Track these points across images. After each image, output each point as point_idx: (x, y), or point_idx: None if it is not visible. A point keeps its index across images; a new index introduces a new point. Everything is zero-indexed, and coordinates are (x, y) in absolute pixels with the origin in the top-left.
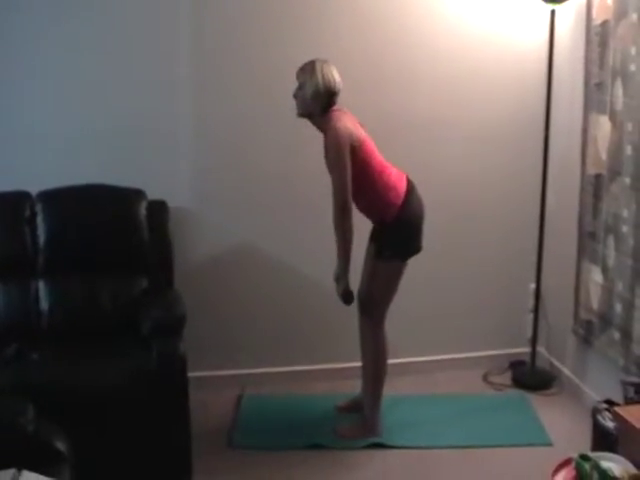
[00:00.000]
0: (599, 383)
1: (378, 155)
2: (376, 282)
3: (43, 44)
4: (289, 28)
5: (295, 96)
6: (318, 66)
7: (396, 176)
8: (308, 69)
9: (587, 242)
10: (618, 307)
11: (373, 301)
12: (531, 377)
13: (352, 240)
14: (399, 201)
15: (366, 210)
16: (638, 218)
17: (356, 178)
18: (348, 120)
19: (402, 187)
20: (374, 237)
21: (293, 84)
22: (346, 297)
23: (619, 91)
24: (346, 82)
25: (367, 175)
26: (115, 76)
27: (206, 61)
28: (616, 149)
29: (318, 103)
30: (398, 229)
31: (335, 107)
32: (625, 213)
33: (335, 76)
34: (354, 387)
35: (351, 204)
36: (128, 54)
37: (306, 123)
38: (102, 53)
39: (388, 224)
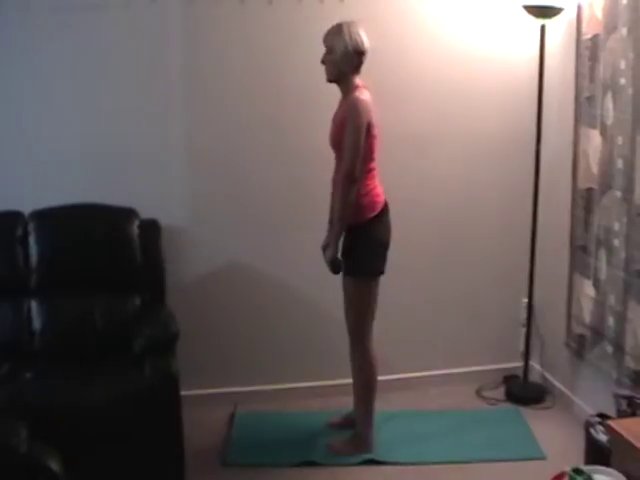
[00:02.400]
0: (592, 396)
1: (377, 153)
2: (351, 300)
3: (36, 65)
4: (281, 47)
5: (323, 61)
6: (345, 27)
7: (380, 190)
8: (335, 31)
9: (579, 256)
10: (610, 320)
11: (352, 319)
12: (524, 391)
13: (351, 211)
14: (375, 211)
15: (335, 193)
16: (629, 231)
17: None
18: (370, 101)
19: (381, 202)
20: (343, 252)
21: (288, 101)
22: (334, 265)
23: (609, 105)
24: (337, 99)
25: (363, 160)
26: (107, 96)
27: (198, 80)
28: (607, 163)
29: (349, 63)
30: (363, 241)
31: (365, 84)
32: (616, 226)
33: (363, 36)
34: (347, 403)
35: (358, 174)
36: (120, 75)
37: (301, 141)
38: (94, 74)
39: (356, 229)
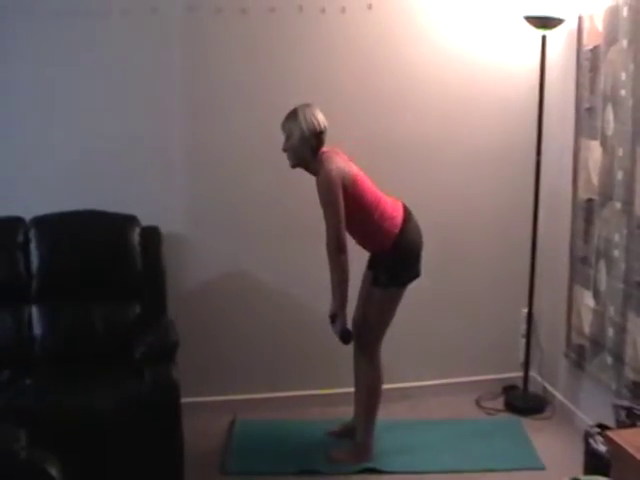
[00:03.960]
0: (591, 407)
1: (372, 188)
2: (372, 309)
3: (38, 71)
4: (282, 56)
5: (285, 149)
6: (300, 112)
7: (392, 205)
8: (291, 117)
9: (579, 266)
10: (610, 331)
11: (368, 328)
12: (524, 401)
13: (348, 278)
14: (396, 229)
15: (364, 243)
16: (629, 243)
17: (351, 214)
18: (339, 159)
19: (399, 216)
20: (371, 264)
21: (289, 109)
22: (344, 336)
23: (610, 116)
24: (338, 108)
25: (362, 209)
26: (109, 103)
27: (199, 88)
28: (607, 174)
29: (307, 147)
30: (395, 256)
31: (325, 148)
32: (616, 237)
33: (318, 116)
34: (346, 412)
35: (345, 242)
36: (121, 83)
37: None
38: (96, 81)
39: (386, 252)
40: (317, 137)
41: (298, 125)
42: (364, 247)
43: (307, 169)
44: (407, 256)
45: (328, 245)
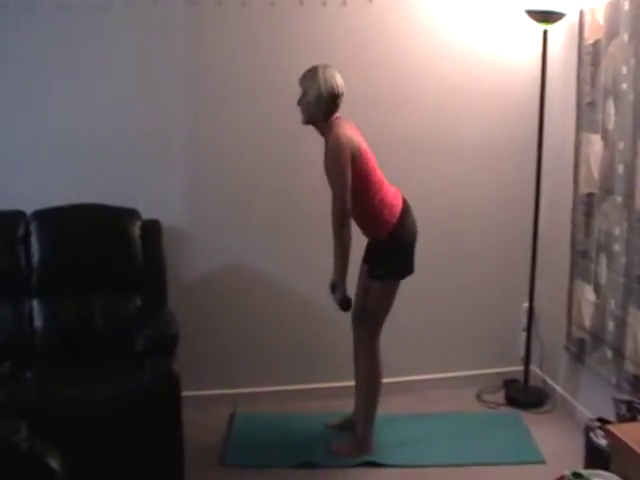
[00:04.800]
0: (592, 401)
1: (378, 170)
2: (370, 301)
3: (38, 65)
4: (283, 50)
5: (299, 103)
6: (320, 71)
7: (393, 194)
8: (310, 75)
9: (579, 260)
10: (610, 325)
11: (367, 320)
12: (524, 395)
13: (350, 247)
14: (394, 219)
15: (360, 223)
16: (630, 236)
17: (354, 189)
18: (350, 129)
19: (398, 206)
20: (367, 256)
21: (289, 102)
22: (344, 304)
23: (611, 110)
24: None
25: (365, 190)
26: (109, 96)
27: (200, 81)
28: (608, 168)
29: (321, 108)
30: (391, 248)
31: (338, 116)
32: (617, 231)
33: (337, 79)
34: (346, 406)
35: (350, 211)
36: (122, 75)
37: (301, 141)
38: (96, 74)
39: (381, 241)
40: (333, 99)
41: (316, 84)
42: (360, 228)
43: (316, 129)
44: (402, 248)
45: (333, 215)
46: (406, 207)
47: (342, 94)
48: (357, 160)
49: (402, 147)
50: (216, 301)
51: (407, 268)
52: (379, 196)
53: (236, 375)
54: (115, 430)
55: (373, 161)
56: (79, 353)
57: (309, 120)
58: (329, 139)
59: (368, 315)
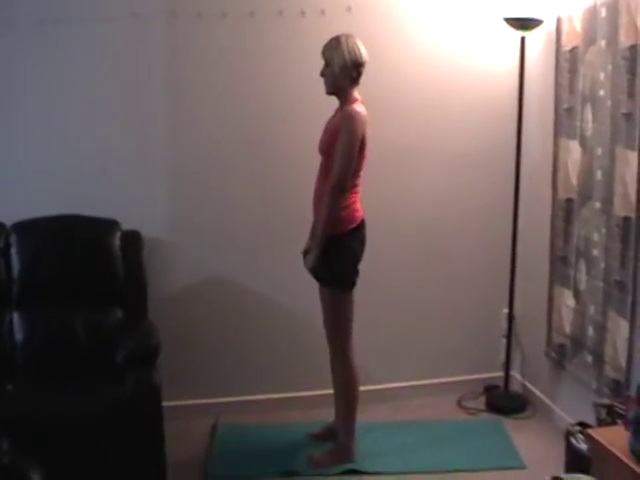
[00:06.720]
0: (572, 406)
1: (363, 171)
2: (329, 311)
3: (19, 78)
4: (263, 61)
5: (323, 74)
6: (343, 40)
7: (358, 204)
8: (333, 44)
9: (559, 266)
10: (590, 330)
11: (331, 329)
12: (505, 401)
13: (335, 218)
14: (354, 223)
15: (318, 202)
16: (608, 242)
17: None
18: (365, 117)
19: (358, 216)
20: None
21: (272, 113)
22: (315, 272)
23: (589, 116)
24: (318, 110)
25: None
26: (90, 108)
27: (180, 94)
28: (586, 174)
29: (347, 76)
30: (340, 256)
31: (361, 98)
32: (596, 237)
33: (361, 47)
34: (327, 415)
35: (348, 186)
36: (103, 88)
37: (285, 153)
38: (77, 87)
39: (335, 236)
40: (357, 68)
41: (340, 53)
42: (315, 208)
43: (339, 97)
44: (352, 258)
45: (332, 182)
46: (363, 223)
47: (365, 62)
48: (359, 147)
49: (381, 154)
50: (197, 311)
51: (352, 280)
52: (353, 193)
53: (217, 385)
54: (97, 442)
55: (366, 161)
56: (60, 366)
57: (333, 90)
58: (347, 111)
59: (331, 327)
